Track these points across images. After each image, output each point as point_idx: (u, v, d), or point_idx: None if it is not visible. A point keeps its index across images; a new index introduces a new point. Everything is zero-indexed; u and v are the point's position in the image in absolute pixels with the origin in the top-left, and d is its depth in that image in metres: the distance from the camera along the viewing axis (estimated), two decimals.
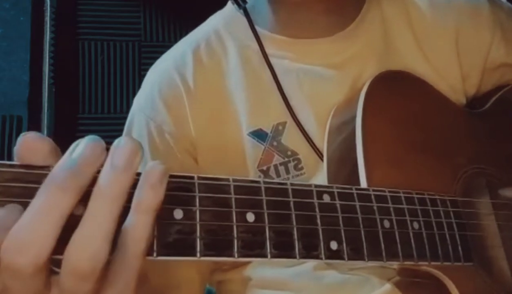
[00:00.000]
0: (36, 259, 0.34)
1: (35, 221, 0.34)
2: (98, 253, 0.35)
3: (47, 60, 1.58)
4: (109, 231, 0.35)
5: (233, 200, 0.42)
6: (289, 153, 0.68)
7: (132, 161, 0.36)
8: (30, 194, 0.36)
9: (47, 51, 1.59)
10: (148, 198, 0.36)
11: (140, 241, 0.37)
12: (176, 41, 0.79)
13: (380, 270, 0.59)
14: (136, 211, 0.37)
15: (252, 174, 0.68)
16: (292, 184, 0.46)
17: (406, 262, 0.52)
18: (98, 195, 0.36)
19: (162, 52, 0.79)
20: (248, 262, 0.71)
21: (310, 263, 0.67)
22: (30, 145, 0.37)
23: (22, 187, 0.36)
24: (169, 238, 0.39)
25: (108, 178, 0.36)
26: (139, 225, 0.36)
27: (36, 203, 0.35)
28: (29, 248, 0.34)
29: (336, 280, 0.66)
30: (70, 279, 0.36)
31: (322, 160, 0.66)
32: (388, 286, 0.62)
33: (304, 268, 0.67)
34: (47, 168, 0.36)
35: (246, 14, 0.74)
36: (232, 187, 0.43)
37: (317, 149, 0.67)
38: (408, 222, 0.53)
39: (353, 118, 0.60)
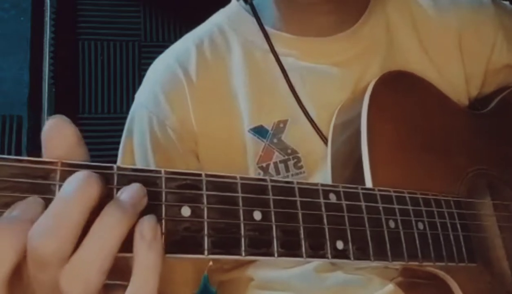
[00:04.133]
0: (63, 246, 0.34)
1: (62, 211, 0.34)
2: (92, 282, 0.35)
3: (47, 60, 1.57)
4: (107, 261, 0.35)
5: (240, 198, 0.42)
6: (289, 151, 0.68)
7: (138, 203, 0.37)
8: (37, 189, 0.36)
9: (47, 51, 1.58)
10: (150, 259, 0.36)
11: None
12: (176, 41, 0.79)
13: (382, 271, 0.59)
14: (138, 270, 0.37)
15: (252, 170, 0.68)
16: (298, 183, 0.46)
17: (411, 263, 0.52)
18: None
19: (162, 52, 0.78)
20: (250, 263, 0.70)
21: (312, 265, 0.67)
22: (61, 128, 0.37)
23: (30, 183, 0.36)
24: (177, 236, 0.39)
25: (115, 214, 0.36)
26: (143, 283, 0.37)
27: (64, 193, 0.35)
28: (57, 234, 0.34)
29: (337, 282, 0.66)
30: None
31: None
32: (390, 286, 0.63)
33: (305, 270, 0.67)
34: (55, 163, 0.36)
35: (253, 10, 0.74)
36: (239, 185, 0.43)
37: (325, 137, 0.67)
38: (413, 222, 0.53)
39: (358, 118, 0.61)
